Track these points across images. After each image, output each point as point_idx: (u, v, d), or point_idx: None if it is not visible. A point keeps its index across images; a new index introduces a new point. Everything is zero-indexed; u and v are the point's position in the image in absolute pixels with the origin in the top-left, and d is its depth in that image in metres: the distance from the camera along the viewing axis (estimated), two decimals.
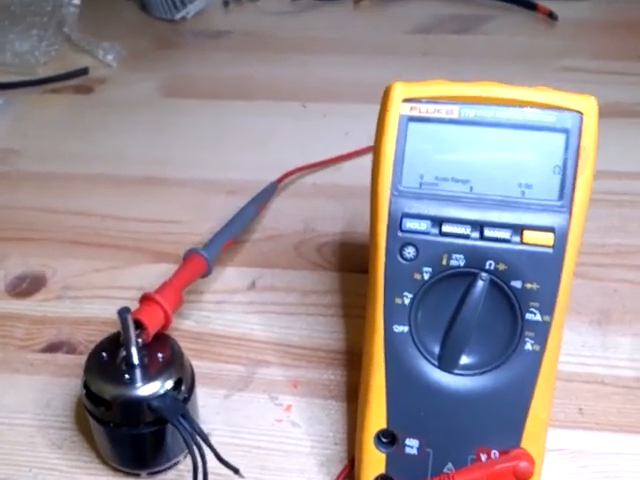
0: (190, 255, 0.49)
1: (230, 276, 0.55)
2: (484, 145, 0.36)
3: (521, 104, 0.35)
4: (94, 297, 0.53)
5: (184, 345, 0.42)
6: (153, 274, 0.53)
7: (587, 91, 0.36)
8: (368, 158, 0.38)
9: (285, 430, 0.43)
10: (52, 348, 0.49)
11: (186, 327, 0.50)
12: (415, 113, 0.36)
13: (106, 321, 0.50)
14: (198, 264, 0.48)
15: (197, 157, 0.68)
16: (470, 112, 0.35)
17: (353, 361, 0.47)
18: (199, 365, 0.45)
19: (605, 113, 0.70)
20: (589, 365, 0.47)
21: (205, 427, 0.40)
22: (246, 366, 0.47)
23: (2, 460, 0.42)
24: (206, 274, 0.49)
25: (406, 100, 0.36)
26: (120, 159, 0.68)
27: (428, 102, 0.36)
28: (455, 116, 0.36)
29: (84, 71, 0.81)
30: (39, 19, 0.83)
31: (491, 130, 0.35)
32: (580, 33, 0.89)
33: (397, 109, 0.36)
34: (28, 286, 0.54)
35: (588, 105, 0.35)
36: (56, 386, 0.46)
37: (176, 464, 0.41)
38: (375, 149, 0.37)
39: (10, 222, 0.60)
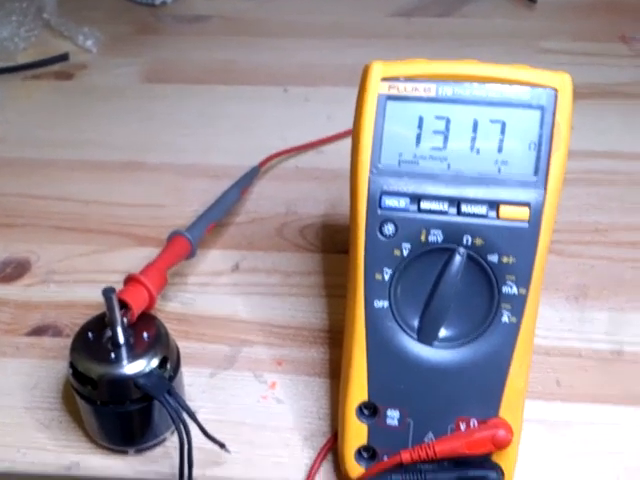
0: (174, 237, 0.49)
1: (214, 259, 0.55)
2: (461, 122, 0.36)
3: (497, 81, 0.36)
4: (79, 281, 0.53)
5: (169, 326, 0.42)
6: (137, 258, 0.53)
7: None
8: (349, 141, 0.38)
9: (270, 406, 0.44)
10: (38, 332, 0.49)
11: (171, 309, 0.51)
12: (394, 92, 0.36)
13: (91, 304, 0.50)
14: (182, 246, 0.49)
15: (179, 142, 0.68)
16: (448, 90, 0.36)
17: (336, 339, 0.48)
18: (184, 345, 0.45)
19: (584, 94, 0.72)
20: (567, 339, 0.48)
21: (191, 405, 0.40)
22: (231, 346, 0.48)
23: None
24: (190, 256, 0.50)
25: (385, 79, 0.36)
26: (102, 144, 0.68)
27: (406, 81, 0.36)
28: (433, 94, 0.36)
29: (64, 57, 0.81)
30: (18, 5, 0.82)
31: (468, 107, 0.36)
32: (560, 15, 0.90)
33: (376, 88, 0.36)
34: (12, 271, 0.54)
35: (562, 82, 0.36)
36: (43, 368, 0.46)
37: (163, 441, 0.42)
38: (354, 128, 0.38)
39: None
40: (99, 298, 0.38)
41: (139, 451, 0.42)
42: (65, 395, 0.45)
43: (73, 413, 0.43)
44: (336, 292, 0.52)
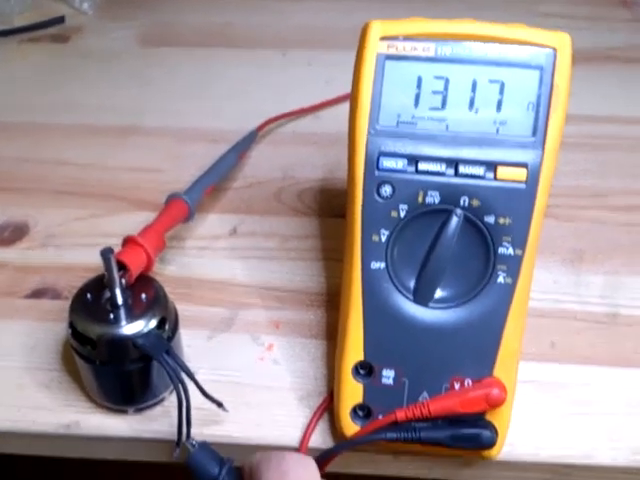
0: (172, 200, 0.49)
1: (212, 223, 0.55)
2: (460, 82, 0.36)
3: (496, 41, 0.36)
4: (77, 245, 0.53)
5: (168, 290, 0.42)
6: (135, 222, 0.53)
7: None
8: (347, 106, 0.38)
9: (267, 368, 0.45)
10: (37, 294, 0.49)
11: (169, 272, 0.51)
12: (392, 51, 0.36)
13: (90, 268, 0.50)
14: (180, 208, 0.49)
15: (177, 106, 0.68)
16: (447, 49, 0.36)
17: (333, 302, 0.48)
18: (183, 308, 0.46)
19: (585, 58, 0.71)
20: (562, 302, 0.48)
21: (190, 366, 0.40)
22: (229, 309, 0.48)
23: None
24: (188, 219, 0.50)
25: (383, 38, 0.36)
26: (99, 108, 0.68)
27: (405, 40, 0.36)
28: (432, 54, 0.36)
29: (60, 20, 0.80)
30: None
31: (467, 67, 0.36)
32: None
33: (374, 47, 0.36)
34: (10, 235, 0.54)
35: (562, 42, 0.35)
36: (42, 330, 0.47)
37: (162, 400, 0.42)
38: (352, 88, 0.37)
39: None
40: (97, 262, 0.38)
41: (138, 410, 0.42)
42: (64, 356, 0.45)
43: (73, 373, 0.44)
44: (333, 255, 0.52)
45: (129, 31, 0.79)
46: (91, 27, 0.81)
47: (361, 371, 0.39)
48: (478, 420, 0.37)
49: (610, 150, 0.61)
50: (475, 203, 0.36)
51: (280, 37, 0.78)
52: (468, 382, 0.38)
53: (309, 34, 0.78)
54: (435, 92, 0.36)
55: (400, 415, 0.37)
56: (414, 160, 0.36)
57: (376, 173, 0.37)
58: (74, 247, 0.53)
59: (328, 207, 0.56)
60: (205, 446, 0.38)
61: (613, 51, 0.74)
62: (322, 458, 0.38)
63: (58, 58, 0.76)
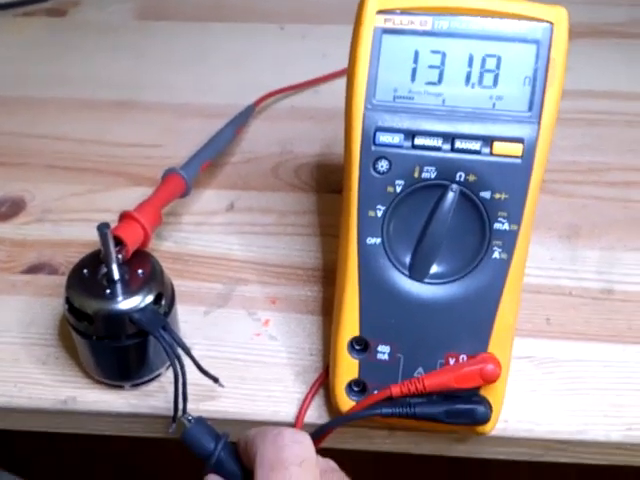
0: (168, 175, 0.49)
1: (208, 198, 0.55)
2: (457, 57, 0.36)
3: (493, 15, 0.35)
4: (74, 220, 0.53)
5: (164, 265, 0.42)
6: (131, 197, 0.53)
7: None
8: (345, 81, 0.38)
9: (263, 343, 0.45)
10: (33, 270, 0.49)
11: (165, 248, 0.51)
12: (389, 25, 0.36)
13: (86, 243, 0.50)
14: (176, 183, 0.48)
15: (173, 80, 0.67)
16: (444, 23, 0.35)
17: (329, 278, 0.48)
18: (179, 284, 0.46)
19: (582, 33, 0.70)
20: (557, 278, 0.48)
21: (186, 342, 0.41)
22: (225, 284, 0.48)
23: None
24: (185, 194, 0.49)
25: (380, 12, 0.36)
26: (96, 83, 0.67)
27: (402, 13, 0.36)
28: (429, 28, 0.36)
29: None
30: None
31: (464, 41, 0.36)
32: None
33: (371, 21, 0.36)
34: (7, 210, 0.54)
35: (558, 16, 0.35)
36: (39, 305, 0.47)
37: (158, 376, 0.43)
38: (349, 63, 0.37)
39: None
40: (94, 237, 0.38)
41: (135, 386, 0.42)
42: (61, 332, 0.45)
43: (69, 349, 0.44)
44: (330, 231, 0.52)
45: (126, 5, 0.78)
46: (87, 1, 0.79)
47: (356, 347, 0.39)
48: (472, 396, 0.37)
49: (607, 125, 0.61)
50: (471, 178, 0.36)
51: (278, 10, 0.77)
52: (463, 358, 0.38)
53: (307, 7, 0.77)
54: (432, 67, 0.36)
55: (395, 390, 0.37)
56: (410, 135, 0.36)
57: (372, 148, 0.36)
58: (71, 222, 0.53)
59: (325, 182, 0.56)
60: (201, 421, 0.38)
61: (611, 26, 0.74)
62: (317, 433, 0.38)
63: (54, 32, 0.75)
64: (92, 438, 0.45)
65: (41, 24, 0.76)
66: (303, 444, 0.35)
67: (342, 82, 0.39)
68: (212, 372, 0.40)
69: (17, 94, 0.66)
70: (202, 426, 0.38)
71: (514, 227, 0.36)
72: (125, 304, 0.39)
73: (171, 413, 0.39)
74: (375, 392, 0.38)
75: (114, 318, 0.39)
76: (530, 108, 0.35)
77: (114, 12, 0.78)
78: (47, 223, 0.53)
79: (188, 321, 0.46)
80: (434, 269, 0.37)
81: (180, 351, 0.39)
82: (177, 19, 0.76)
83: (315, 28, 0.74)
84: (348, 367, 0.39)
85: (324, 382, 0.42)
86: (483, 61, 0.36)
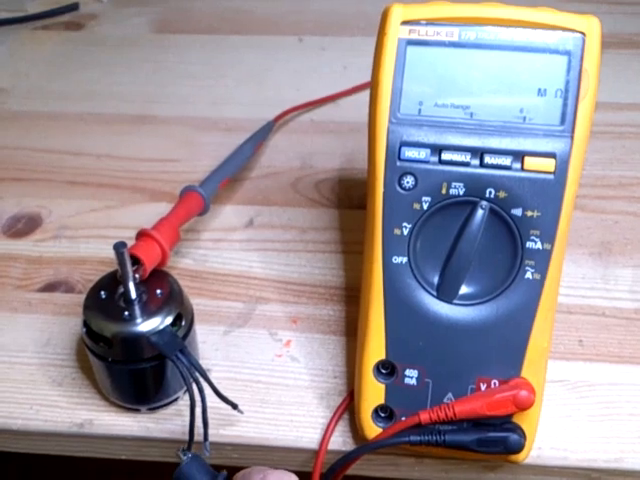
0: (186, 192, 0.48)
1: (228, 214, 0.54)
2: (485, 69, 0.34)
3: (523, 25, 0.34)
4: (91, 237, 0.52)
5: (183, 283, 0.41)
6: (150, 213, 0.52)
7: None
8: (367, 93, 0.37)
9: (285, 365, 0.43)
10: (50, 287, 0.49)
11: (184, 265, 0.50)
12: (414, 36, 0.35)
13: (103, 260, 0.50)
14: (195, 201, 0.47)
15: (192, 94, 0.67)
16: (471, 34, 0.34)
17: (352, 297, 0.47)
18: (198, 303, 0.45)
19: (610, 43, 0.69)
20: (590, 297, 0.46)
21: (205, 363, 0.39)
22: (245, 303, 0.47)
23: (4, 398, 0.42)
24: (203, 212, 0.48)
25: (405, 22, 0.35)
26: (113, 97, 0.67)
27: (428, 24, 0.34)
28: (455, 39, 0.34)
29: (74, 7, 0.79)
30: None
31: (492, 53, 0.34)
32: None
33: (395, 32, 0.35)
34: (24, 226, 0.53)
35: (590, 26, 0.34)
36: (55, 325, 0.46)
37: (176, 400, 0.41)
38: (373, 75, 0.36)
39: (3, 162, 0.59)
40: (111, 254, 0.37)
41: (152, 409, 0.41)
42: (78, 351, 0.44)
43: (86, 370, 0.43)
44: (353, 248, 0.50)
45: (143, 18, 0.78)
46: (105, 14, 0.80)
47: (383, 371, 0.37)
48: (505, 423, 0.36)
49: (637, 138, 0.59)
50: (502, 195, 0.34)
51: (296, 22, 0.76)
52: (495, 383, 0.36)
53: (326, 19, 0.77)
54: (458, 79, 0.35)
55: (424, 417, 0.35)
56: (437, 150, 0.35)
57: (398, 163, 0.35)
58: (87, 239, 0.52)
59: (346, 198, 0.55)
60: (197, 459, 0.36)
61: (637, 37, 0.72)
62: (343, 461, 0.36)
63: (71, 46, 0.75)
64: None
65: (59, 37, 0.76)
66: None
67: (363, 95, 0.38)
68: (231, 395, 0.39)
69: (34, 108, 0.66)
70: (198, 464, 0.36)
71: (547, 246, 0.35)
72: (144, 326, 0.38)
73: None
74: (403, 418, 0.37)
75: (132, 341, 0.38)
76: (562, 121, 0.34)
77: (131, 25, 0.78)
78: (64, 240, 0.52)
79: (207, 341, 0.44)
80: (463, 290, 0.36)
81: (199, 375, 0.37)
82: (194, 32, 0.76)
83: (335, 39, 0.73)
84: (374, 392, 0.37)
85: (349, 406, 0.40)
86: (512, 73, 0.34)
